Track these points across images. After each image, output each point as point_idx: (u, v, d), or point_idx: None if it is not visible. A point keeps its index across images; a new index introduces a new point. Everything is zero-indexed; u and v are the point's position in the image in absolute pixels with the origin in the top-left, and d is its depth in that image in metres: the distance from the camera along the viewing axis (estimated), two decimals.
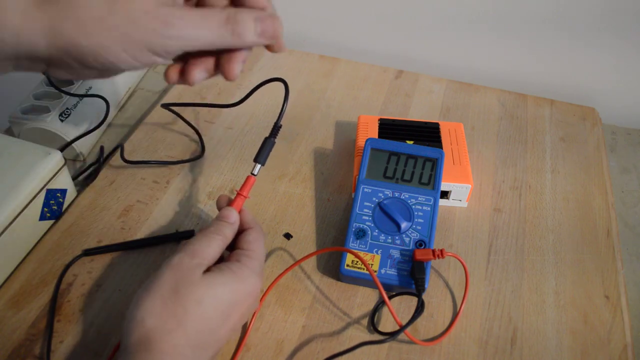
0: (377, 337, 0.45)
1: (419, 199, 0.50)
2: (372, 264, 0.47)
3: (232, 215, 0.43)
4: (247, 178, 0.45)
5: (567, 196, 0.57)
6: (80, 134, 0.60)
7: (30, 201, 0.49)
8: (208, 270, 0.39)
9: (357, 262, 0.47)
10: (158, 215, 0.54)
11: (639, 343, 0.48)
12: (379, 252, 0.48)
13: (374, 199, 0.51)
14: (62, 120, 0.59)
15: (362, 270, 0.47)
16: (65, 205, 0.54)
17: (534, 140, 0.64)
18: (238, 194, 0.45)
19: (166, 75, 0.38)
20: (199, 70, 0.38)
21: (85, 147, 0.61)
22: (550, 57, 0.72)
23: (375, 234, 0.49)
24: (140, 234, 0.52)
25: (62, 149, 0.54)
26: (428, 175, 0.51)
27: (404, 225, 0.49)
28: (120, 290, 0.48)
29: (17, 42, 0.31)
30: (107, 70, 0.35)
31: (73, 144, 0.59)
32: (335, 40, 0.79)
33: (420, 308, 0.44)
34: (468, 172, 0.54)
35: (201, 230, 0.42)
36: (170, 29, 0.33)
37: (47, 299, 0.47)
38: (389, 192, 0.51)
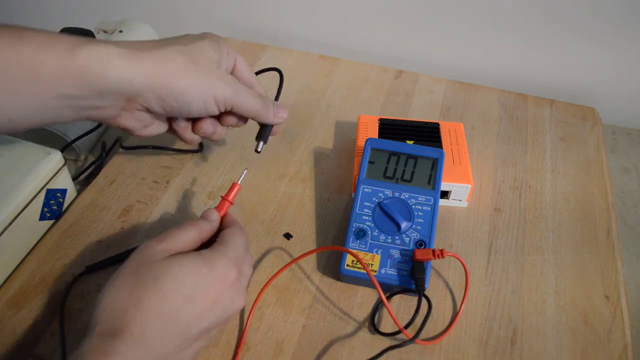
0: (378, 337, 0.45)
1: (419, 199, 0.50)
2: (372, 264, 0.47)
3: (212, 215, 0.43)
4: (233, 184, 0.46)
5: (567, 196, 0.57)
6: (81, 134, 0.60)
7: (30, 201, 0.49)
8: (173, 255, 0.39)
9: (357, 262, 0.47)
10: (158, 215, 0.54)
11: (639, 343, 0.48)
12: (379, 252, 0.48)
13: (374, 198, 0.50)
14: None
15: (362, 270, 0.46)
16: (65, 205, 0.54)
17: (534, 140, 0.64)
18: (223, 198, 0.45)
19: (202, 127, 0.48)
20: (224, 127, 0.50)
21: (85, 147, 0.61)
22: (550, 57, 0.72)
23: (375, 233, 0.49)
24: (140, 234, 0.52)
25: (62, 149, 0.54)
26: (428, 175, 0.51)
27: (404, 225, 0.48)
28: None
29: (116, 82, 0.39)
30: (176, 111, 0.44)
31: (73, 144, 0.59)
32: (335, 40, 0.79)
33: (428, 311, 0.44)
34: (468, 172, 0.54)
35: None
36: (238, 93, 0.45)
37: (47, 300, 0.47)
38: (389, 192, 0.51)
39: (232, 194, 0.45)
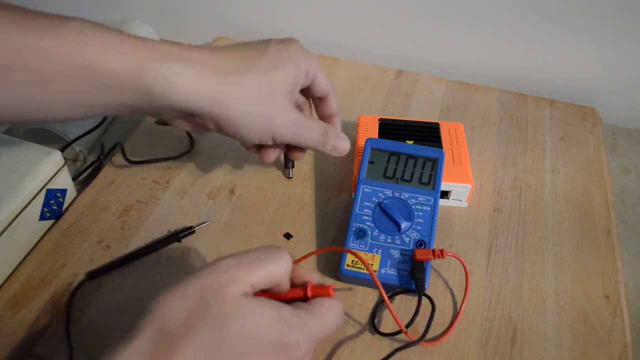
0: (378, 338, 0.45)
1: (419, 198, 0.50)
2: (372, 264, 0.47)
3: (284, 252, 0.36)
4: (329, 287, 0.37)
5: (567, 196, 0.57)
6: (81, 134, 0.60)
7: (30, 201, 0.49)
8: (251, 295, 0.33)
9: (357, 262, 0.47)
10: (158, 215, 0.54)
11: (639, 343, 0.48)
12: (379, 252, 0.48)
13: (374, 199, 0.50)
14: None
15: (362, 270, 0.46)
16: (65, 205, 0.54)
17: (534, 140, 0.64)
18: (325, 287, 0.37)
19: (265, 156, 0.48)
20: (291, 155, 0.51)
21: (85, 147, 0.61)
22: (550, 57, 0.72)
23: (375, 233, 0.49)
24: (141, 234, 0.52)
25: (62, 149, 0.54)
26: (428, 175, 0.51)
27: (404, 225, 0.48)
28: (121, 290, 0.48)
29: (179, 104, 0.39)
30: (231, 136, 0.43)
31: (73, 144, 0.59)
32: (335, 40, 0.79)
33: (432, 312, 0.44)
34: (468, 172, 0.54)
35: (263, 246, 0.36)
36: (300, 131, 0.44)
37: (47, 300, 0.47)
38: (389, 192, 0.51)
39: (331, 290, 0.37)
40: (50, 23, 0.35)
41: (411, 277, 0.46)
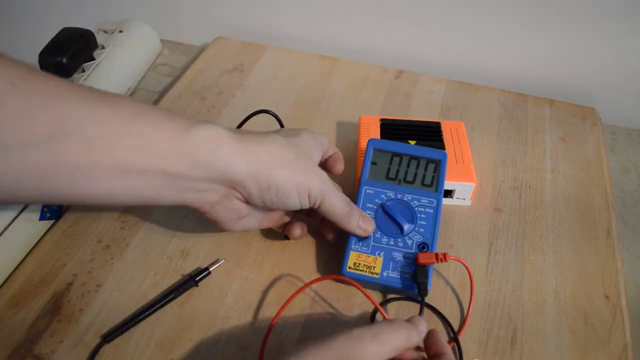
0: None
1: (422, 200, 0.50)
2: (374, 267, 0.47)
3: (422, 324, 0.38)
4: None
5: (567, 196, 0.57)
6: None
7: None
8: None
9: (360, 264, 0.47)
10: (158, 215, 0.54)
11: (639, 343, 0.48)
12: (382, 254, 0.47)
13: (377, 200, 0.50)
14: None
15: (363, 273, 0.46)
16: (65, 205, 0.54)
17: (534, 140, 0.64)
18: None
19: (292, 232, 0.49)
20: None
21: None
22: (550, 57, 0.72)
23: (377, 235, 0.48)
24: (141, 234, 0.52)
25: None
26: (431, 177, 0.51)
27: (406, 227, 0.48)
28: (121, 290, 0.48)
29: (223, 167, 0.40)
30: (275, 204, 0.43)
31: None
32: (335, 40, 0.79)
33: (443, 322, 0.44)
34: (471, 171, 0.54)
35: (388, 320, 0.39)
36: (329, 191, 0.44)
37: (47, 300, 0.47)
38: (391, 194, 0.50)
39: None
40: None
41: (413, 280, 0.46)
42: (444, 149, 0.56)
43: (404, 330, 0.36)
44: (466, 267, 0.46)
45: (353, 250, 0.48)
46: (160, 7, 0.84)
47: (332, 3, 0.75)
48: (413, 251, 0.47)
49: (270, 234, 0.52)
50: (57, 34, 0.65)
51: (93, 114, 0.36)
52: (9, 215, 0.47)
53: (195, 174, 0.40)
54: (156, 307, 0.46)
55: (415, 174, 0.51)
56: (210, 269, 0.49)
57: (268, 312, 0.46)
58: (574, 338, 0.46)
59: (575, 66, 0.72)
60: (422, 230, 0.48)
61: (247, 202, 0.43)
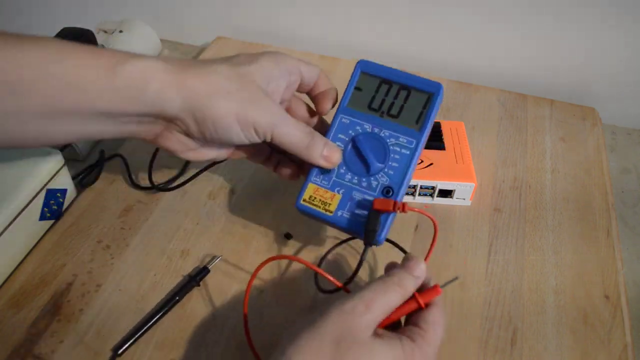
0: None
1: (400, 139, 0.43)
2: (330, 204, 0.43)
3: (419, 268, 0.37)
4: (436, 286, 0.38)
5: (567, 196, 0.57)
6: None
7: (30, 201, 0.49)
8: (376, 332, 0.35)
9: (315, 198, 0.43)
10: (158, 215, 0.54)
11: (639, 343, 0.48)
12: (341, 191, 0.43)
13: (350, 132, 0.45)
14: None
15: (317, 208, 0.43)
16: (65, 205, 0.54)
17: (534, 140, 0.64)
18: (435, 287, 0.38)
19: (280, 172, 0.49)
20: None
21: (85, 147, 0.61)
22: (550, 57, 0.72)
23: (341, 171, 0.44)
24: (141, 234, 0.52)
25: (62, 149, 0.54)
26: (418, 113, 0.44)
27: (374, 166, 0.43)
28: (121, 290, 0.48)
29: (155, 102, 0.38)
30: (216, 138, 0.41)
31: (73, 144, 0.59)
32: (335, 40, 0.79)
33: (359, 262, 0.40)
34: (471, 171, 0.54)
35: (380, 278, 0.37)
36: (280, 123, 0.41)
37: (47, 300, 0.47)
38: (368, 127, 0.44)
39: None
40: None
41: (365, 227, 0.41)
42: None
43: (396, 288, 0.36)
44: (430, 218, 0.40)
45: (312, 182, 0.44)
46: (160, 7, 0.84)
47: (332, 3, 0.75)
48: (375, 194, 0.42)
49: (270, 234, 0.52)
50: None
51: (15, 58, 0.35)
52: (9, 215, 0.47)
53: (129, 110, 0.38)
54: (163, 311, 0.46)
55: (402, 107, 0.44)
56: (209, 267, 0.49)
57: (268, 311, 0.46)
58: (574, 338, 0.46)
59: (575, 66, 0.72)
60: (392, 172, 0.43)
61: (189, 135, 0.42)
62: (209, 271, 0.48)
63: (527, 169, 0.60)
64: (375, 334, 0.34)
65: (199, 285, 0.48)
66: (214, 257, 0.50)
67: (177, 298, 0.46)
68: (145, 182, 0.57)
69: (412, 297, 0.37)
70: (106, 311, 0.46)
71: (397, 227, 0.53)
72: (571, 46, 0.70)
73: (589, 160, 0.62)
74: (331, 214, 0.43)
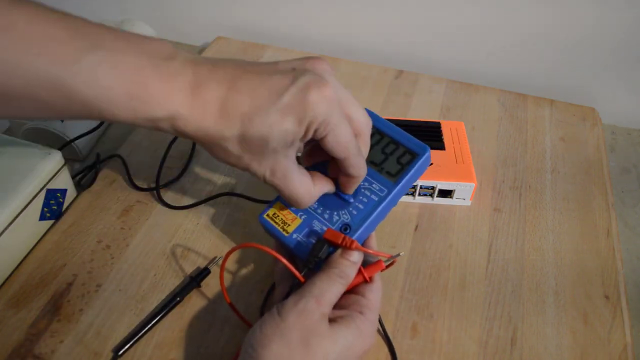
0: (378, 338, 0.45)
1: (373, 185, 0.44)
2: (289, 225, 0.44)
3: (355, 255, 0.40)
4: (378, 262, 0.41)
5: (567, 196, 0.57)
6: (80, 134, 0.60)
7: (30, 201, 0.49)
8: (332, 320, 0.38)
9: (278, 216, 0.45)
10: (158, 215, 0.54)
11: (639, 343, 0.48)
12: (303, 217, 0.44)
13: None
14: (62, 121, 0.59)
15: (276, 226, 0.45)
16: (65, 205, 0.54)
17: (534, 140, 0.64)
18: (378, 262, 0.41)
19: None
20: None
21: (85, 147, 0.61)
22: (550, 57, 0.72)
23: None
24: (141, 234, 0.52)
25: (62, 149, 0.54)
26: (398, 168, 0.45)
27: (339, 202, 0.44)
28: (120, 290, 0.48)
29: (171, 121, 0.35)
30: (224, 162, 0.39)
31: (73, 144, 0.59)
32: (335, 40, 0.79)
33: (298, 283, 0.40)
34: (471, 171, 0.54)
35: (324, 271, 0.39)
36: (286, 183, 0.39)
37: (47, 300, 0.47)
38: None
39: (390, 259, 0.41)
40: None
41: (309, 253, 0.41)
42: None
43: (340, 280, 0.39)
44: (388, 256, 0.41)
45: (280, 201, 0.46)
46: (160, 7, 0.84)
47: (332, 3, 0.75)
48: (333, 227, 0.43)
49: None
50: None
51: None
52: (9, 215, 0.47)
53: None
54: (163, 313, 0.46)
55: (385, 159, 0.45)
56: (210, 267, 0.49)
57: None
58: (574, 338, 0.46)
59: (575, 66, 0.72)
60: (355, 213, 0.43)
61: None
62: (209, 272, 0.48)
63: (527, 169, 0.60)
64: (331, 320, 0.37)
65: (199, 286, 0.48)
66: (214, 258, 0.50)
67: (178, 299, 0.46)
68: (142, 184, 0.57)
69: (359, 272, 0.40)
70: (106, 311, 0.46)
71: (397, 226, 0.53)
72: (571, 46, 0.70)
73: (589, 160, 0.62)
74: (287, 235, 0.44)
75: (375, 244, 0.44)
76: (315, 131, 0.37)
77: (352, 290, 0.41)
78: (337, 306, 0.39)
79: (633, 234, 0.58)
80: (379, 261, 0.40)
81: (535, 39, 0.71)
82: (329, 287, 0.38)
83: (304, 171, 0.41)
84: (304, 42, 0.80)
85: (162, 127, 0.36)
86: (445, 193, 0.55)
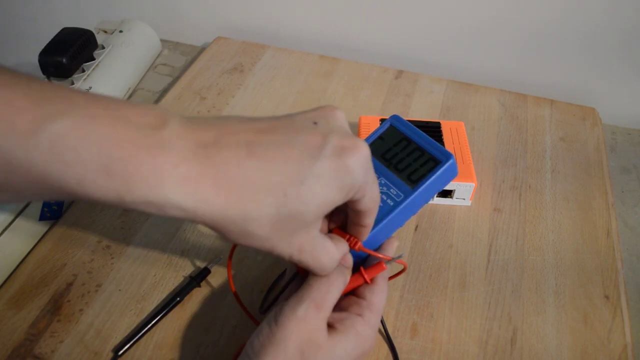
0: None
1: (391, 190, 0.43)
2: None
3: (348, 259, 0.39)
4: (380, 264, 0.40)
5: (567, 196, 0.57)
6: None
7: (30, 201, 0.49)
8: (330, 325, 0.36)
9: None
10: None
11: (639, 343, 0.48)
12: None
13: None
14: None
15: None
16: (65, 205, 0.54)
17: (534, 140, 0.64)
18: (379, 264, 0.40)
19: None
20: None
21: None
22: (550, 57, 0.72)
23: None
24: (141, 234, 0.52)
25: None
26: (420, 175, 0.43)
27: None
28: (120, 290, 0.48)
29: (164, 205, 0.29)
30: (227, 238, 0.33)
31: None
32: (335, 40, 0.79)
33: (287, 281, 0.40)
34: (471, 171, 0.54)
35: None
36: (310, 255, 0.34)
37: (47, 300, 0.47)
38: None
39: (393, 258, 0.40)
40: None
41: None
42: None
43: (338, 285, 0.37)
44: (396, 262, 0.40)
45: None
46: (160, 7, 0.84)
47: (332, 3, 0.75)
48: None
49: None
50: (57, 34, 0.65)
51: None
52: (9, 215, 0.47)
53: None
54: (163, 313, 0.46)
55: (409, 165, 0.44)
56: (210, 267, 0.49)
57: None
58: (574, 338, 0.46)
59: (575, 66, 0.72)
60: None
61: None
62: (209, 272, 0.48)
63: (527, 169, 0.60)
64: (329, 327, 0.36)
65: (199, 286, 0.48)
66: (214, 258, 0.50)
67: (178, 299, 0.46)
68: None
69: (360, 273, 0.40)
70: (106, 311, 0.46)
71: None
72: (571, 46, 0.70)
73: (589, 160, 0.62)
74: None
75: (394, 250, 0.41)
76: (353, 195, 0.32)
77: (353, 292, 0.40)
78: (337, 307, 0.38)
79: (633, 234, 0.58)
80: (379, 263, 0.40)
81: (536, 39, 0.71)
82: (327, 292, 0.36)
83: (325, 236, 0.36)
84: (304, 42, 0.80)
85: (168, 212, 0.29)
86: (445, 193, 0.55)
